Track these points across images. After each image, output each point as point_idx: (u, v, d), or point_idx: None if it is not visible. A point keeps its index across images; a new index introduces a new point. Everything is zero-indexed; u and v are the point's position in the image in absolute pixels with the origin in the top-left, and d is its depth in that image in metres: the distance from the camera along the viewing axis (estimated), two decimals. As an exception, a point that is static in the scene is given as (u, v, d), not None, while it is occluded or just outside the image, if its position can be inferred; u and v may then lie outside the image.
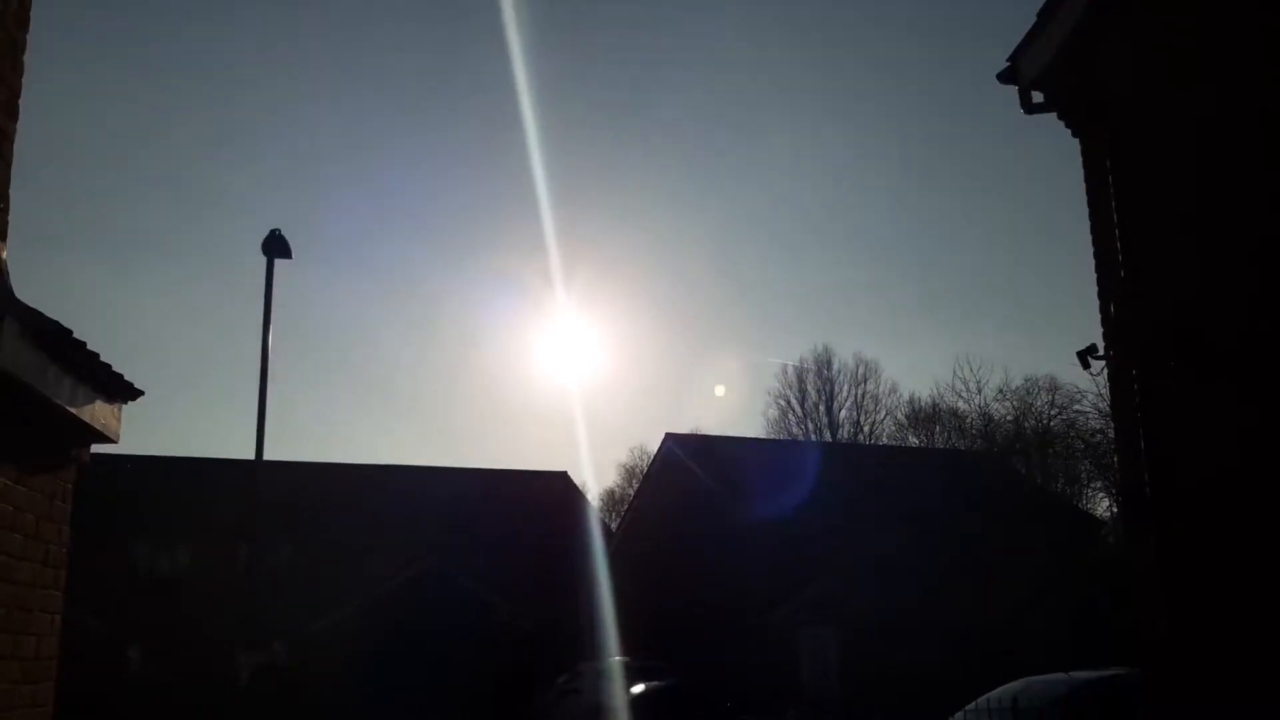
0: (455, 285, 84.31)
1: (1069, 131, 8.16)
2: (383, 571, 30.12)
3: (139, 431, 65.17)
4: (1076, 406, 45.91)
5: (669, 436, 36.92)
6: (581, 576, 31.37)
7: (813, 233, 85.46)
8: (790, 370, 62.24)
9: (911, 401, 58.82)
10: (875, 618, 29.81)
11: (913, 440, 56.38)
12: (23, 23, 5.45)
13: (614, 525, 48.21)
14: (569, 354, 63.32)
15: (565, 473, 40.10)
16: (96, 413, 5.20)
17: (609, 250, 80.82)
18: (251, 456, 16.06)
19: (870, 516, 32.36)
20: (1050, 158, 77.47)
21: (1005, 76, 8.18)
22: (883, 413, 59.37)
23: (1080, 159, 8.08)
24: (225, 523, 28.71)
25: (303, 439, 78.07)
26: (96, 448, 5.61)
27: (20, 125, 5.36)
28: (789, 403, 60.67)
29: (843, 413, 59.79)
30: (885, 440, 56.90)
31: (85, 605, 22.91)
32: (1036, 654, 30.04)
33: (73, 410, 4.93)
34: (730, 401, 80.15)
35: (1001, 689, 12.65)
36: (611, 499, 67.07)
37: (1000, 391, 53.45)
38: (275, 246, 16.64)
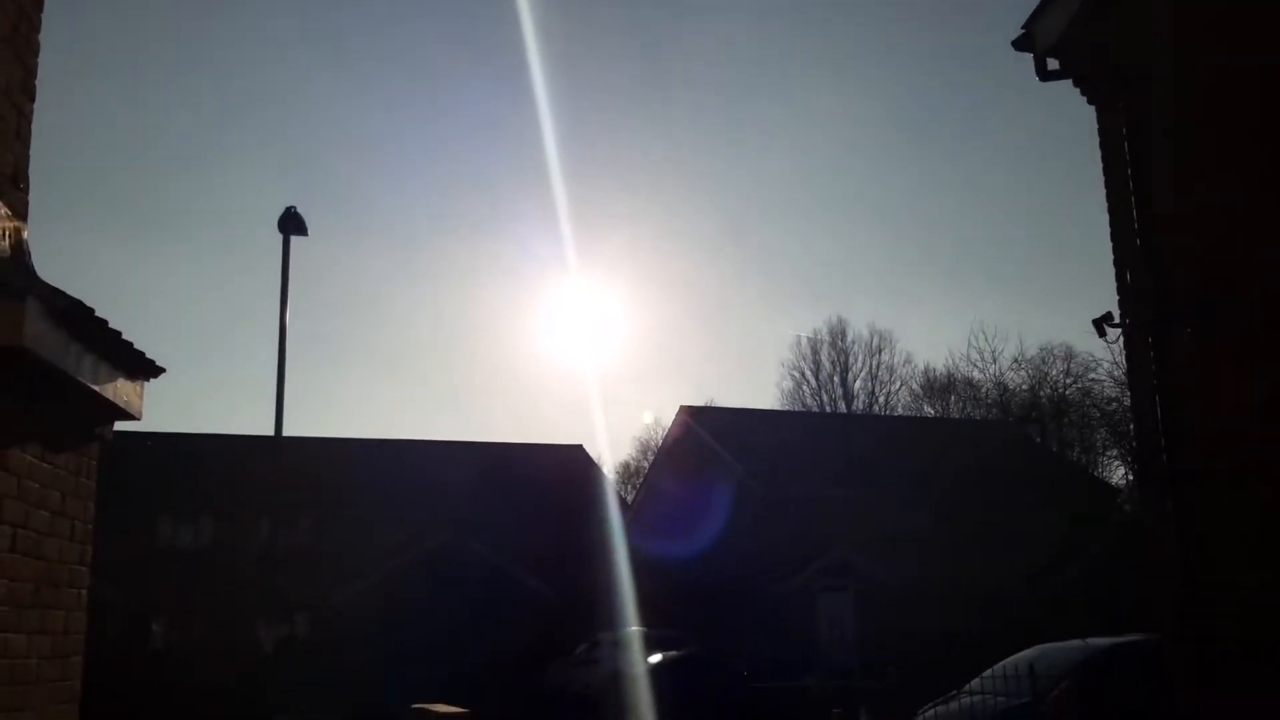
0: (470, 259, 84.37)
1: (1085, 98, 8.08)
2: (402, 544, 30.36)
3: (161, 409, 65.67)
4: (1092, 375, 45.74)
5: (684, 409, 36.99)
6: (599, 548, 31.53)
7: (827, 201, 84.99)
8: (804, 342, 62.13)
9: (926, 372, 58.73)
10: (893, 585, 29.96)
11: (928, 411, 56.27)
12: (37, 1, 5.46)
13: (630, 496, 48.37)
14: (583, 327, 63.40)
15: (581, 446, 40.27)
16: (119, 390, 5.25)
17: (623, 222, 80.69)
18: (271, 432, 16.15)
19: (886, 486, 32.43)
20: (1066, 123, 76.80)
21: (1020, 43, 8.09)
22: (898, 383, 59.27)
23: (1096, 125, 8.00)
24: (247, 498, 28.94)
25: (321, 414, 78.57)
26: (119, 425, 5.67)
27: (37, 105, 5.38)
28: (803, 374, 60.61)
29: (857, 384, 59.72)
30: (900, 411, 56.83)
31: (110, 580, 23.18)
32: (1055, 621, 30.18)
33: (95, 388, 4.97)
34: (745, 374, 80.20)
35: (1018, 655, 12.70)
36: (627, 471, 67.22)
37: (1015, 361, 53.18)
38: (291, 224, 16.68)
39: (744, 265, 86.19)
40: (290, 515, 28.59)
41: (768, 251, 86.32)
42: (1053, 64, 7.96)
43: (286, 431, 16.44)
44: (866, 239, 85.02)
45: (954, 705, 12.18)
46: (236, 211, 75.61)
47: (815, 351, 60.57)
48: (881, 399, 58.58)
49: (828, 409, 57.52)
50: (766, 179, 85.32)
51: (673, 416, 38.26)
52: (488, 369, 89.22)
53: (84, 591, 5.32)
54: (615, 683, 22.02)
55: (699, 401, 47.87)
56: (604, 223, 78.87)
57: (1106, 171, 7.84)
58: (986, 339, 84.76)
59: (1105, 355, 41.62)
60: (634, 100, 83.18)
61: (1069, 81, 8.04)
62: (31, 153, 5.35)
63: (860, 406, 57.89)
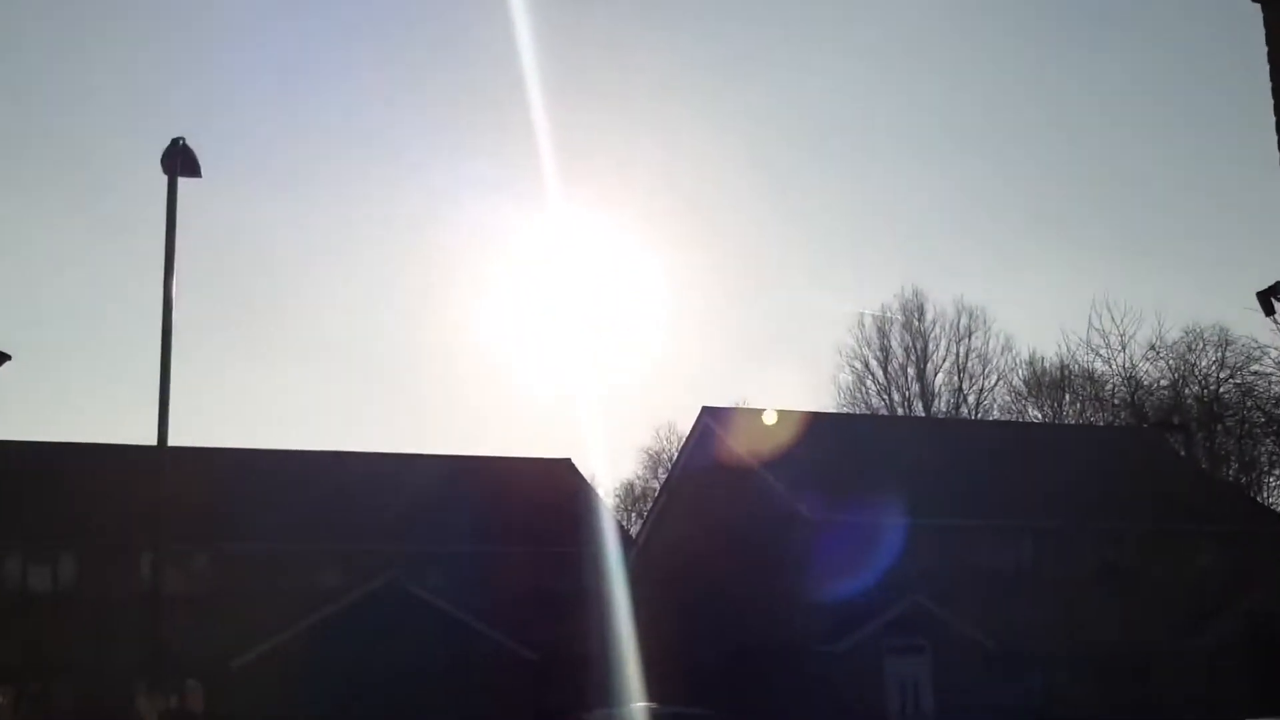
0: (428, 213, 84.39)
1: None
2: (331, 588, 30.24)
3: (9, 411, 65.72)
4: (1255, 367, 45.47)
5: (707, 412, 36.87)
6: (592, 592, 31.39)
7: (897, 139, 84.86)
8: (869, 321, 61.68)
9: (1032, 362, 58.44)
10: (985, 644, 29.80)
11: (1033, 414, 56.05)
12: None
13: (633, 526, 48.27)
14: (574, 309, 63.39)
15: (569, 460, 40.11)
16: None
17: (627, 170, 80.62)
18: (153, 441, 16.00)
19: (978, 513, 32.23)
20: (1218, 36, 76.43)
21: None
22: (993, 377, 58.99)
23: (1264, 33, 7.77)
24: (123, 528, 28.77)
25: (223, 418, 78.67)
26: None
27: None
28: (867, 365, 60.37)
29: (939, 378, 59.44)
30: (996, 414, 56.57)
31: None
32: (1197, 684, 30.14)
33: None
34: (789, 366, 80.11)
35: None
36: (630, 495, 67.21)
37: (1151, 348, 52.67)
38: (179, 161, 16.51)
39: (786, 223, 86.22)
40: (181, 551, 28.46)
41: (818, 205, 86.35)
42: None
43: (175, 440, 16.25)
44: (950, 187, 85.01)
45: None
46: (105, 148, 75.78)
47: (883, 335, 60.38)
48: (971, 398, 58.35)
49: (899, 410, 57.34)
50: (815, 110, 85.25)
51: (691, 422, 38.10)
52: (449, 362, 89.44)
53: None
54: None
55: (726, 402, 47.62)
56: (602, 171, 78.87)
57: (1277, 89, 7.62)
58: (1113, 319, 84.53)
59: (1272, 341, 41.28)
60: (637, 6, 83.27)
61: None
62: None
63: (943, 407, 57.68)
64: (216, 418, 75.76)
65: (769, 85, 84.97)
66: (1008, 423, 51.94)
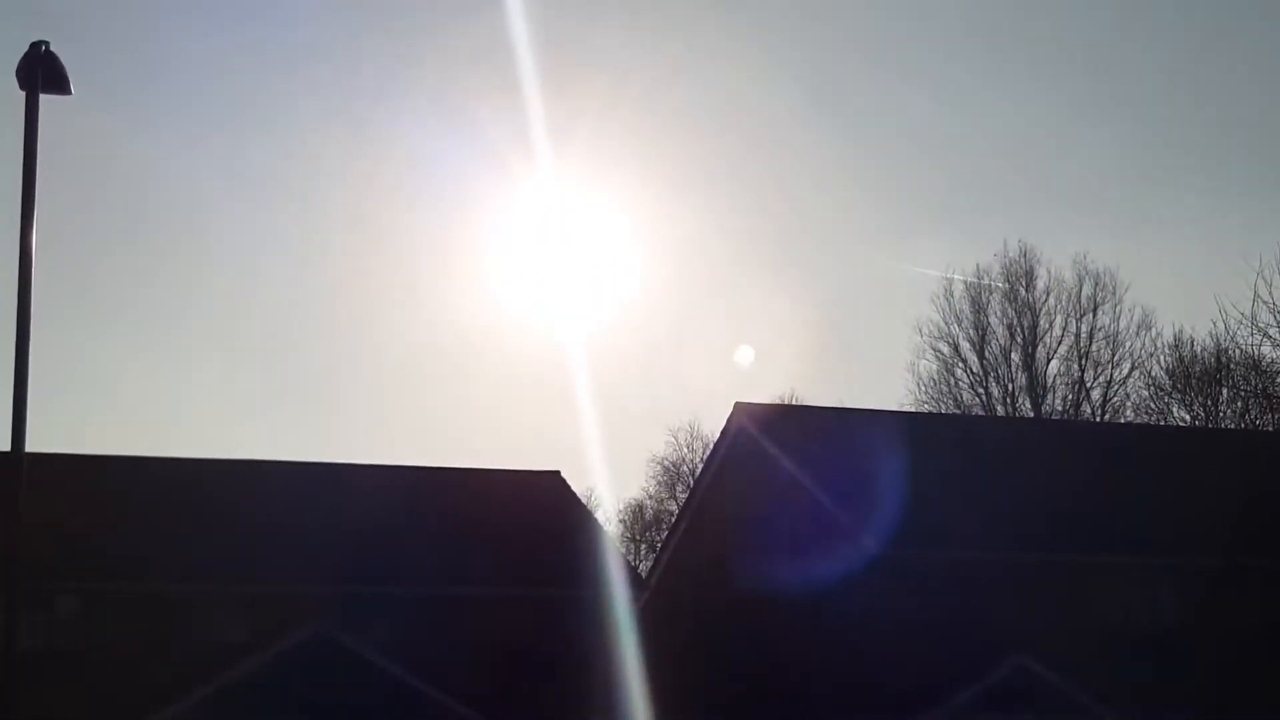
0: (393, 173, 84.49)
1: None
2: (240, 640, 30.37)
3: None
4: None
5: (741, 410, 36.91)
6: (586, 648, 31.51)
7: (995, 53, 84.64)
8: (957, 290, 61.60)
9: (1178, 345, 58.43)
10: (1110, 718, 29.85)
11: (1179, 415, 56.05)
12: None
13: (643, 560, 48.27)
14: (570, 284, 63.37)
15: (558, 473, 40.27)
16: None
17: (632, 106, 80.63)
18: (6, 446, 16.12)
19: (1101, 545, 32.24)
20: None
21: None
22: (1126, 365, 59.07)
23: None
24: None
25: (102, 417, 78.99)
26: None
27: None
28: (957, 349, 60.54)
29: (1053, 365, 59.59)
30: (1130, 414, 56.68)
31: None
32: None
33: None
34: (850, 350, 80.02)
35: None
36: (639, 519, 67.47)
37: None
38: (40, 71, 16.63)
39: (845, 162, 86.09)
40: (43, 594, 28.56)
41: (887, 135, 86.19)
42: None
43: (35, 445, 16.38)
44: (1069, 113, 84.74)
45: None
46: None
47: (977, 309, 60.51)
48: (1096, 392, 58.47)
49: (999, 409, 57.37)
50: (883, 12, 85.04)
51: (720, 424, 38.17)
52: (411, 349, 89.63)
53: None
54: None
55: (767, 398, 47.87)
56: (605, 110, 78.82)
57: None
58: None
59: None
60: None
61: None
62: None
63: (1058, 405, 57.80)
64: (93, 415, 76.15)
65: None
66: (1145, 426, 52.04)
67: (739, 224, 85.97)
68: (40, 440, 16.06)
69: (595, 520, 40.45)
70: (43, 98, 16.66)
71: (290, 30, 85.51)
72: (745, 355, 68.82)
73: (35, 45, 16.77)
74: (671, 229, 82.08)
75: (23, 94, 16.66)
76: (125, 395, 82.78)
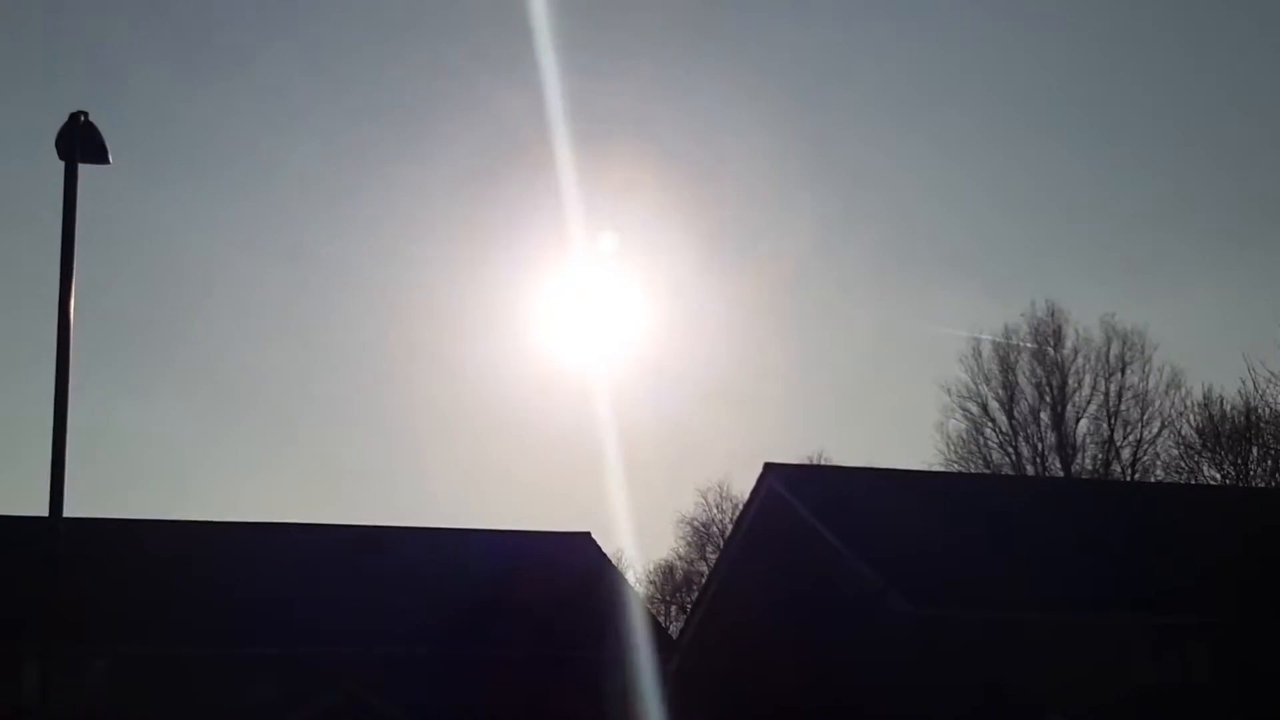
0: (405, 220, 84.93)
1: None
2: (266, 702, 30.36)
3: None
4: None
5: (771, 471, 36.85)
6: (615, 711, 31.41)
7: (1026, 110, 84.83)
8: (985, 350, 61.56)
9: (1208, 403, 58.14)
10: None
11: (1210, 474, 55.73)
12: None
13: (673, 622, 48.07)
14: (594, 335, 63.40)
15: (588, 534, 40.30)
16: None
17: (654, 164, 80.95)
18: (44, 511, 16.12)
19: (1133, 604, 32.07)
20: None
21: None
22: (1155, 424, 58.83)
23: None
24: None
25: (133, 480, 79.18)
26: None
27: None
28: (985, 408, 60.40)
29: (1083, 425, 59.39)
30: (1160, 473, 56.39)
31: None
32: None
33: None
34: (877, 410, 79.95)
35: None
36: (669, 581, 67.28)
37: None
38: (80, 142, 16.77)
39: (871, 219, 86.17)
40: (76, 655, 28.62)
41: (917, 193, 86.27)
42: None
43: (72, 510, 16.43)
44: (1096, 170, 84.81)
45: None
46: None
47: (1006, 368, 60.38)
48: (1126, 452, 58.22)
49: (1028, 469, 57.14)
50: (912, 68, 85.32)
51: (751, 484, 38.08)
52: (433, 407, 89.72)
53: None
54: None
55: (797, 458, 47.74)
56: (622, 155, 79.05)
57: None
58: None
59: None
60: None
61: None
62: None
63: (1088, 464, 57.52)
64: (118, 478, 76.39)
65: (871, 48, 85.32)
66: (1175, 485, 51.67)
67: (766, 283, 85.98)
68: (71, 505, 16.04)
69: (626, 581, 40.40)
70: (83, 170, 16.83)
71: (323, 101, 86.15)
72: None
73: (74, 116, 16.91)
74: (700, 288, 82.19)
75: (62, 163, 16.85)
76: (154, 459, 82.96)
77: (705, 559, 65.58)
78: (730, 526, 47.15)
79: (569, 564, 37.74)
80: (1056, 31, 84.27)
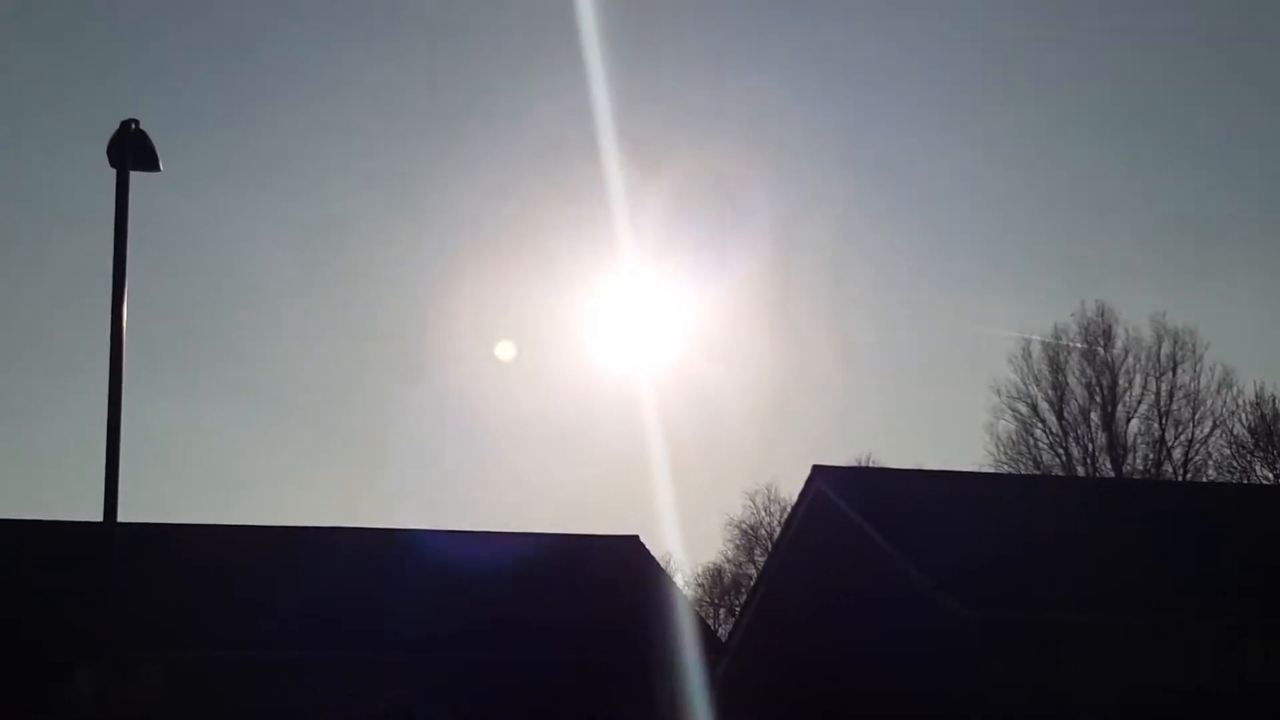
0: (451, 225, 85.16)
1: None
2: (320, 708, 30.48)
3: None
4: None
5: (819, 473, 36.80)
6: (663, 710, 31.46)
7: (1075, 107, 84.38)
8: (1034, 351, 61.30)
9: (1259, 403, 57.78)
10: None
11: (1262, 473, 55.38)
12: None
13: (722, 625, 48.01)
14: (641, 339, 63.47)
15: (636, 537, 40.30)
16: None
17: (703, 164, 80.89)
18: (98, 517, 16.24)
19: (1185, 606, 31.89)
20: None
21: None
22: (1207, 424, 58.42)
23: None
24: (54, 629, 29.09)
25: (178, 484, 79.60)
26: None
27: None
28: (1035, 409, 60.12)
29: (1133, 425, 59.04)
30: (1212, 473, 56.01)
31: None
32: None
33: None
34: (926, 412, 79.68)
35: None
36: (718, 584, 67.28)
37: None
38: (131, 150, 16.90)
39: (919, 218, 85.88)
40: (130, 658, 28.77)
41: (964, 192, 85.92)
42: None
43: (126, 516, 16.56)
44: (1148, 168, 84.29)
45: None
46: (35, 127, 77.07)
47: (1056, 368, 60.10)
48: (1178, 452, 57.80)
49: (1079, 469, 56.86)
50: (955, 65, 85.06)
51: (798, 487, 38.04)
52: (479, 411, 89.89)
53: None
54: None
55: (845, 460, 47.64)
56: (677, 158, 79.17)
57: None
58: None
59: None
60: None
61: None
62: None
63: (1139, 464, 57.16)
64: (168, 483, 76.77)
65: (913, 48, 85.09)
66: (1227, 485, 51.34)
67: (814, 286, 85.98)
68: (125, 510, 16.18)
69: (674, 584, 40.40)
70: (135, 178, 16.97)
71: (368, 105, 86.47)
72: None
73: (125, 124, 17.04)
74: (748, 291, 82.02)
75: (114, 170, 16.99)
76: (206, 462, 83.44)
77: (753, 562, 65.55)
78: (778, 529, 47.14)
79: (618, 567, 37.76)
80: (1105, 28, 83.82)
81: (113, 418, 16.05)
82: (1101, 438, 58.61)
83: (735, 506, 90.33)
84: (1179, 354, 58.94)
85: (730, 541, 70.30)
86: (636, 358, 65.47)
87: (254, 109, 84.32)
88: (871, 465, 57.86)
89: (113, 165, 16.90)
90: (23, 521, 35.52)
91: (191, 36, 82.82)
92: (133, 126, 16.98)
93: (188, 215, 78.15)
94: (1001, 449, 59.56)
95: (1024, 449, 59.16)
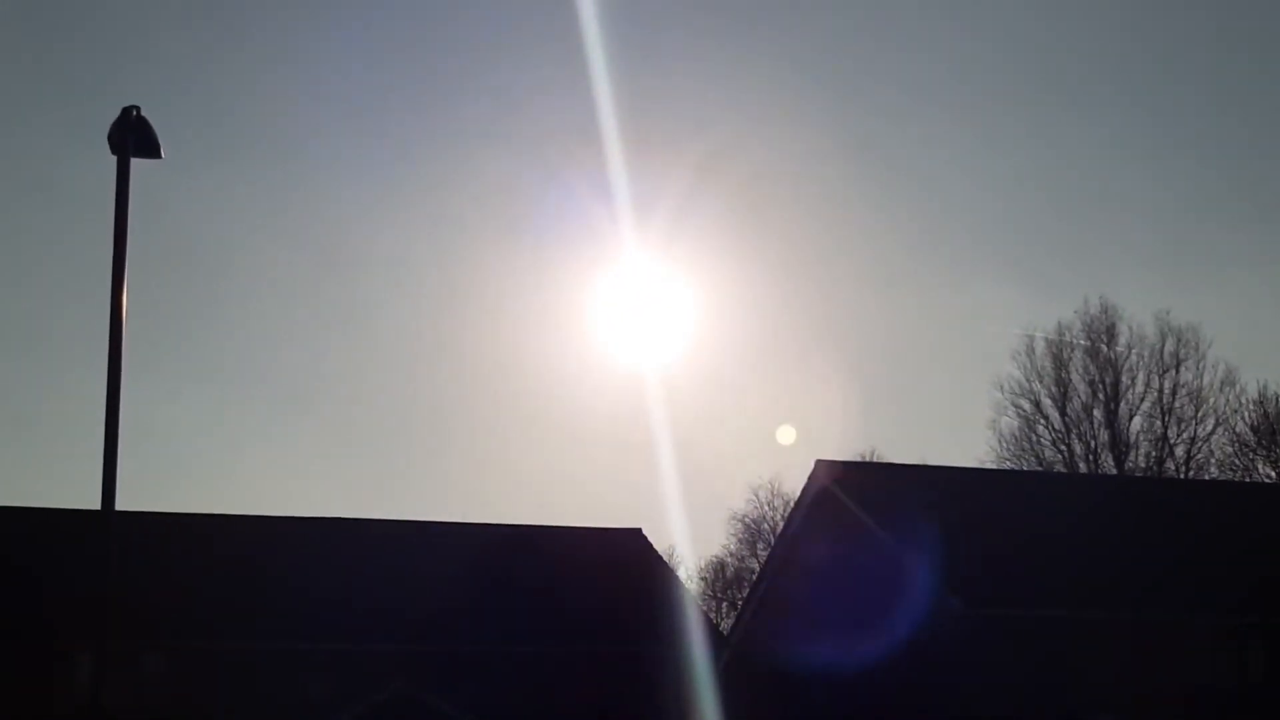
0: (458, 218, 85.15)
1: None
2: (324, 699, 30.43)
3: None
4: None
5: (822, 468, 36.71)
6: (668, 707, 31.36)
7: (1078, 99, 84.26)
8: (1037, 348, 61.21)
9: (1263, 401, 57.67)
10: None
11: (1265, 471, 55.28)
12: None
13: (725, 619, 47.92)
14: (646, 333, 63.32)
15: (639, 530, 40.21)
16: None
17: (710, 162, 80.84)
18: (95, 505, 16.15)
19: (1186, 603, 31.83)
20: None
21: None
22: (1210, 421, 58.30)
23: None
24: (51, 618, 29.02)
25: (179, 474, 79.54)
26: None
27: None
28: (1038, 406, 59.96)
29: (1136, 422, 58.91)
30: (1214, 470, 55.90)
31: None
32: None
33: None
34: (929, 406, 79.62)
35: None
36: (720, 577, 67.13)
37: None
38: (131, 136, 16.80)
39: (923, 215, 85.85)
40: (129, 649, 28.73)
41: (967, 188, 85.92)
42: None
43: (124, 504, 16.46)
44: (1151, 163, 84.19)
45: None
46: (35, 115, 76.98)
47: (1059, 365, 59.95)
48: (1180, 449, 57.70)
49: (1081, 466, 56.75)
50: (961, 61, 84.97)
51: (801, 481, 37.95)
52: (482, 402, 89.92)
53: None
54: None
55: (848, 455, 47.51)
56: (679, 149, 79.13)
57: None
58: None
59: None
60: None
61: None
62: None
63: (1141, 462, 57.06)
64: (176, 473, 76.72)
65: (913, 37, 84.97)
66: (1229, 483, 51.24)
67: (817, 280, 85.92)
68: (125, 498, 16.07)
69: (677, 578, 40.29)
70: (135, 164, 16.86)
71: (376, 97, 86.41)
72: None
73: (126, 111, 16.91)
74: (753, 284, 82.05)
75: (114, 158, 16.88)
76: (208, 452, 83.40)
77: (756, 556, 65.39)
78: (781, 523, 46.95)
79: (621, 561, 37.67)
80: (1107, 21, 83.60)
81: (111, 404, 15.95)
82: (1104, 435, 58.51)
83: (739, 500, 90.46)
84: (1182, 351, 58.85)
85: (733, 535, 70.21)
86: (641, 352, 65.26)
87: (259, 98, 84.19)
88: (875, 460, 57.63)
89: (114, 152, 16.80)
90: (20, 509, 35.35)
91: (195, 23, 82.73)
92: (134, 113, 16.89)
93: (193, 203, 78.04)
94: (1004, 445, 59.51)
95: (1027, 445, 59.10)
